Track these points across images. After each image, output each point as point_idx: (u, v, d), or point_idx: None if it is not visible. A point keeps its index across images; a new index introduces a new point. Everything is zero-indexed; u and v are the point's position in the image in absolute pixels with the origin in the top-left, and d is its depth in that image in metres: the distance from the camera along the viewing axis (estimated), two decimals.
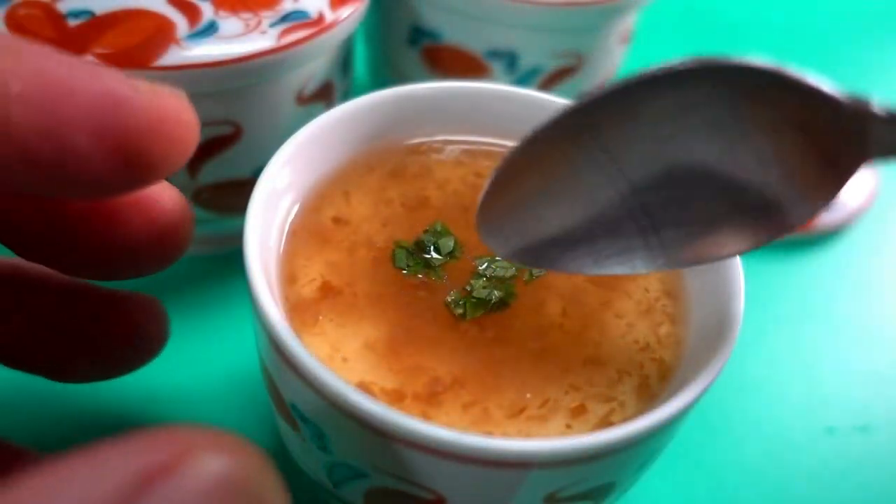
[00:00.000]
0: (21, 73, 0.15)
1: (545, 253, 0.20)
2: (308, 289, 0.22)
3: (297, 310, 0.21)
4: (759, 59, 0.17)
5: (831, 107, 0.16)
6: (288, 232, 0.23)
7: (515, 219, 0.20)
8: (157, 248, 0.21)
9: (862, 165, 0.17)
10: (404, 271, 0.23)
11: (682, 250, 0.20)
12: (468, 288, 0.22)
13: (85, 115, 0.15)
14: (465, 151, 0.27)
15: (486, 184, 0.19)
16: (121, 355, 0.23)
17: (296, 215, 0.24)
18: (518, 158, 0.19)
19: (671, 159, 0.19)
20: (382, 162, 0.26)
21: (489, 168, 0.27)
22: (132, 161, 0.16)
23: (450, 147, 0.27)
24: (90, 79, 0.16)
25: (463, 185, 0.26)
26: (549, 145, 0.19)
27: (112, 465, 0.11)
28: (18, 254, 0.20)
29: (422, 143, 0.27)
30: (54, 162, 0.15)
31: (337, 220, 0.24)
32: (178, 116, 0.17)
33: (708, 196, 0.19)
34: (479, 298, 0.22)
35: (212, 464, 0.12)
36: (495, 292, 0.22)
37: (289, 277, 0.22)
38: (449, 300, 0.22)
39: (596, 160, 0.19)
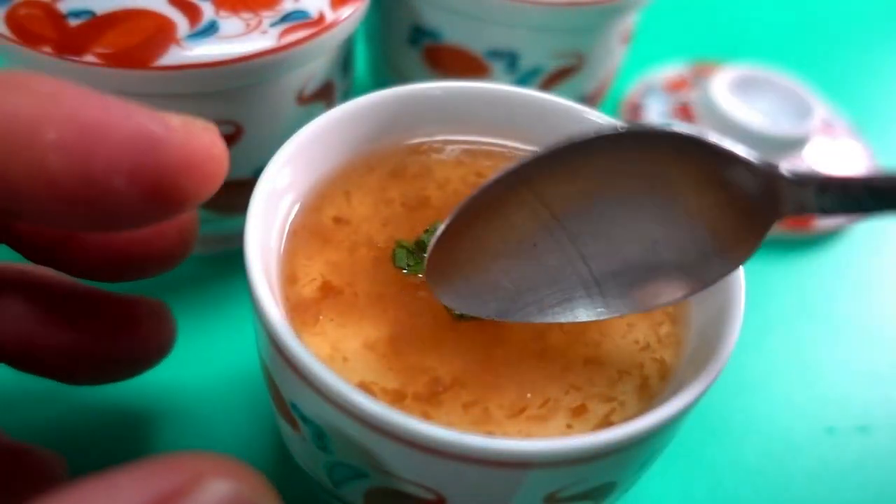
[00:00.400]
0: (56, 119, 0.15)
1: (493, 303, 0.21)
2: (308, 289, 0.22)
3: (298, 310, 0.21)
4: (682, 126, 0.18)
5: (747, 169, 0.18)
6: (288, 232, 0.23)
7: (463, 272, 0.21)
8: (164, 252, 0.21)
9: (776, 221, 0.19)
10: (405, 271, 0.23)
11: (621, 298, 0.21)
12: None
13: (121, 156, 0.15)
14: (466, 151, 0.27)
15: (432, 240, 0.20)
16: (129, 359, 0.23)
17: (296, 215, 0.24)
18: (463, 214, 0.20)
19: (608, 212, 0.20)
20: (383, 162, 0.26)
21: (490, 168, 0.27)
22: (166, 198, 0.16)
23: (450, 147, 0.27)
24: (124, 119, 0.16)
25: (463, 185, 0.26)
26: (492, 202, 0.20)
27: (126, 492, 0.12)
28: (26, 257, 0.20)
29: (422, 143, 0.27)
30: (91, 203, 0.16)
31: (337, 220, 0.24)
32: (210, 152, 0.17)
33: (644, 246, 0.20)
34: None
35: (220, 487, 0.13)
36: None
37: (289, 277, 0.22)
38: None
39: (537, 214, 0.20)
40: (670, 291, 0.21)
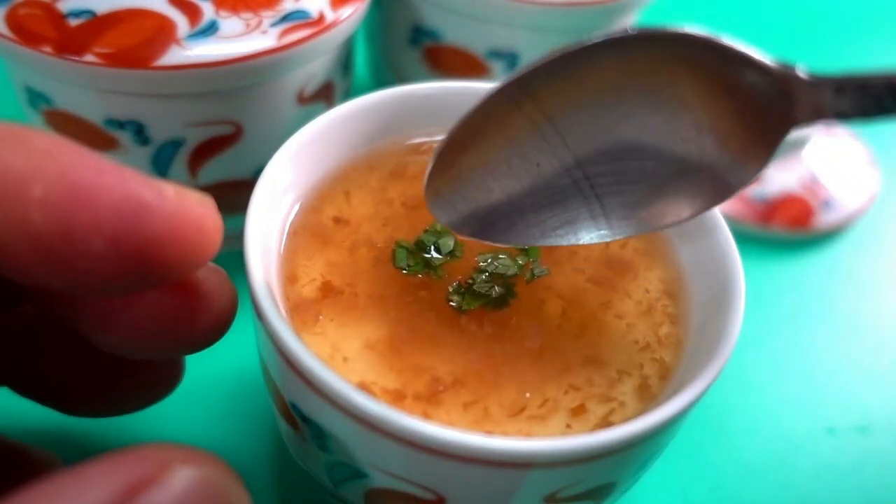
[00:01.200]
0: (45, 176, 0.15)
1: (493, 224, 0.21)
2: (308, 288, 0.22)
3: (298, 310, 0.21)
4: (695, 28, 0.17)
5: (761, 72, 0.17)
6: (288, 232, 0.23)
7: (463, 190, 0.20)
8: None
9: (791, 129, 0.18)
10: (404, 271, 0.23)
11: (625, 219, 0.20)
12: (469, 282, 0.22)
13: (104, 220, 0.15)
14: None
15: (433, 156, 0.19)
16: (135, 396, 0.23)
17: (296, 215, 0.24)
18: (463, 130, 0.19)
19: (613, 127, 0.19)
20: (383, 162, 0.26)
21: None
22: (146, 267, 0.16)
23: None
24: (116, 182, 0.15)
25: None
26: (494, 115, 0.19)
27: (97, 482, 0.13)
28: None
29: (422, 143, 0.27)
30: (68, 262, 0.15)
31: (337, 220, 0.24)
32: (200, 224, 0.17)
33: (649, 164, 0.19)
34: (478, 292, 0.22)
35: (188, 474, 0.14)
36: (496, 288, 0.22)
37: (289, 277, 0.22)
38: (449, 289, 0.22)
39: (539, 129, 0.19)
40: (677, 210, 0.20)
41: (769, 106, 0.18)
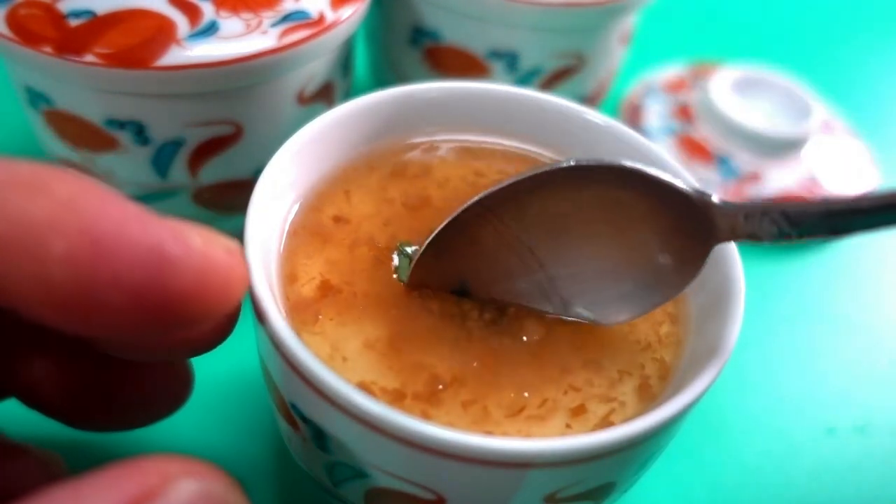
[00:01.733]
0: (66, 230, 0.15)
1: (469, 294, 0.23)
2: (308, 287, 0.22)
3: (297, 309, 0.21)
4: (628, 161, 0.20)
5: (684, 199, 0.20)
6: (288, 231, 0.23)
7: (439, 282, 0.22)
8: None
9: (714, 244, 0.20)
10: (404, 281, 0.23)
11: (585, 316, 0.22)
12: None
13: (126, 275, 0.15)
14: (466, 150, 0.27)
15: (411, 264, 0.22)
16: (141, 412, 0.22)
17: (296, 215, 0.24)
18: (437, 240, 0.22)
19: (570, 239, 0.22)
20: (383, 161, 0.26)
21: (488, 166, 0.27)
22: (167, 321, 0.16)
23: (450, 146, 0.27)
24: (140, 233, 0.15)
25: (464, 184, 0.26)
26: (464, 228, 0.22)
27: (98, 496, 0.13)
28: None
29: (422, 143, 0.27)
30: (86, 314, 0.15)
31: (337, 220, 0.24)
32: (226, 277, 0.16)
33: (603, 271, 0.22)
34: None
35: (190, 487, 0.13)
36: None
37: (289, 277, 0.22)
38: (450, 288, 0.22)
39: (505, 240, 0.22)
40: (626, 311, 0.22)
41: (697, 224, 0.20)
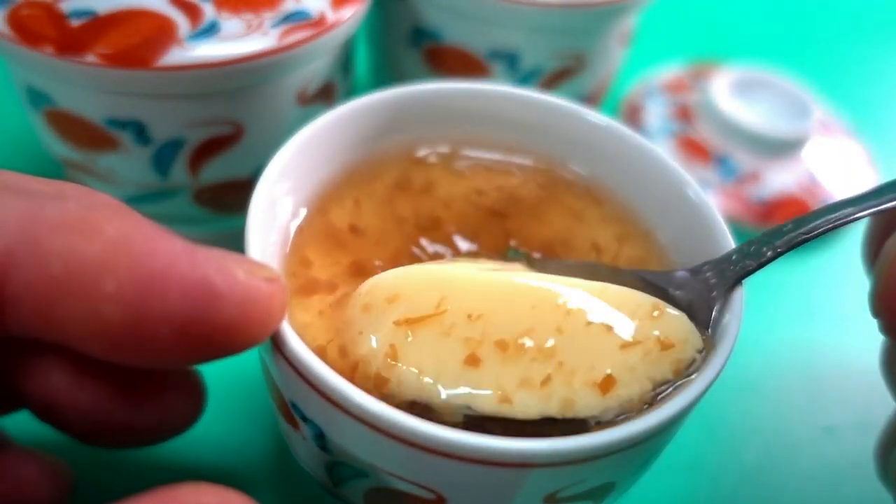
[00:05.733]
0: (117, 269, 0.15)
1: None
2: (307, 286, 0.22)
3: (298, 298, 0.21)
4: (628, 268, 0.23)
5: (686, 288, 0.22)
6: (288, 231, 0.23)
7: None
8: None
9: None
10: None
11: None
12: None
13: (174, 309, 0.15)
14: (465, 151, 0.27)
15: None
16: (152, 431, 0.22)
17: (296, 215, 0.24)
18: None
19: None
20: (384, 162, 0.26)
21: (488, 167, 0.27)
22: (211, 350, 0.16)
23: (451, 154, 0.27)
24: (188, 269, 0.15)
25: (467, 204, 0.26)
26: None
27: None
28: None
29: (422, 147, 0.27)
30: (134, 347, 0.16)
31: (337, 220, 0.24)
32: (268, 306, 0.17)
33: None
34: None
35: None
36: None
37: (288, 276, 0.22)
38: None
39: None
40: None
41: (699, 300, 0.22)
